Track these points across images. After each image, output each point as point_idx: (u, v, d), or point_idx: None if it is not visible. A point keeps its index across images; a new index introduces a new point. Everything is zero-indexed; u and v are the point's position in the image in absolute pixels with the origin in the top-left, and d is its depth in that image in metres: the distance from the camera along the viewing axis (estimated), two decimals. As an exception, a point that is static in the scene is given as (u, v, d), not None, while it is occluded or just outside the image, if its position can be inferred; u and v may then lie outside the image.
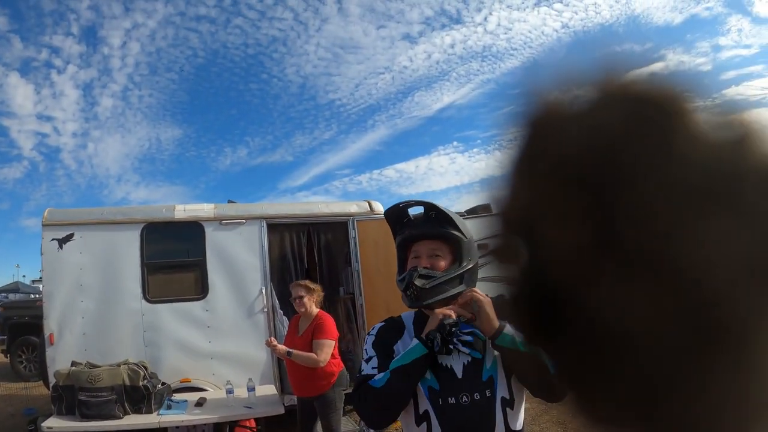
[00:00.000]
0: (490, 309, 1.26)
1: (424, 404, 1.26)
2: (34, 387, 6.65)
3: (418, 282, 1.30)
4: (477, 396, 1.24)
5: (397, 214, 1.44)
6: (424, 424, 1.26)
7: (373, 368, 1.31)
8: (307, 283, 3.58)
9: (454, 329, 1.25)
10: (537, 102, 0.28)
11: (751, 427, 0.24)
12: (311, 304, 3.50)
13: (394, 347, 1.35)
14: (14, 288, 18.11)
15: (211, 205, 4.64)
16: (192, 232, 4.57)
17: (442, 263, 1.34)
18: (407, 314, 1.44)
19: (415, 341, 1.27)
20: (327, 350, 3.40)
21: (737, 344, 0.23)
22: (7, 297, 14.08)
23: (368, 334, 1.41)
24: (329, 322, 3.51)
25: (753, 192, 0.23)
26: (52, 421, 3.85)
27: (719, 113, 0.25)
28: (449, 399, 1.25)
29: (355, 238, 4.72)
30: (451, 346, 1.24)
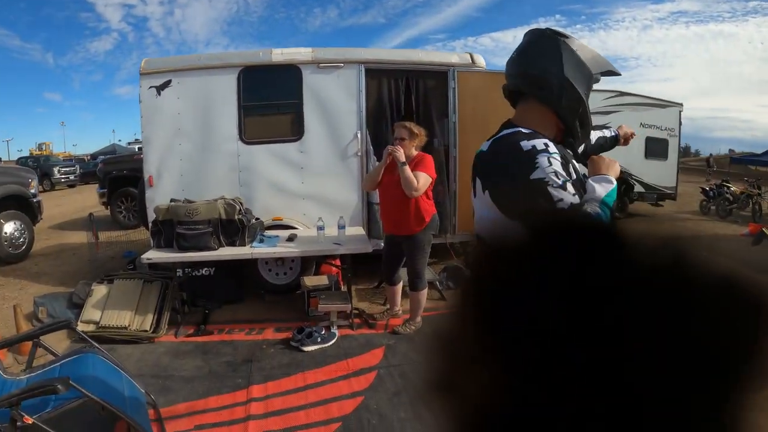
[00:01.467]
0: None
1: None
2: (133, 233, 7.00)
3: None
4: None
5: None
6: None
7: (574, 195, 1.12)
8: (412, 126, 3.48)
9: None
10: None
11: None
12: (411, 148, 3.42)
13: (574, 169, 1.23)
14: (111, 150, 19.33)
15: (309, 49, 4.58)
16: (289, 75, 4.53)
17: None
18: (528, 130, 1.24)
19: (614, 183, 1.21)
20: (423, 182, 3.32)
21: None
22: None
23: (539, 151, 1.13)
24: (430, 161, 3.44)
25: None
26: (150, 254, 3.96)
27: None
28: None
29: (454, 89, 4.54)
30: None
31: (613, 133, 1.71)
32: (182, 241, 3.89)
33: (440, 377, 0.32)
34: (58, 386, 1.90)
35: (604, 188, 1.17)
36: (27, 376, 2.46)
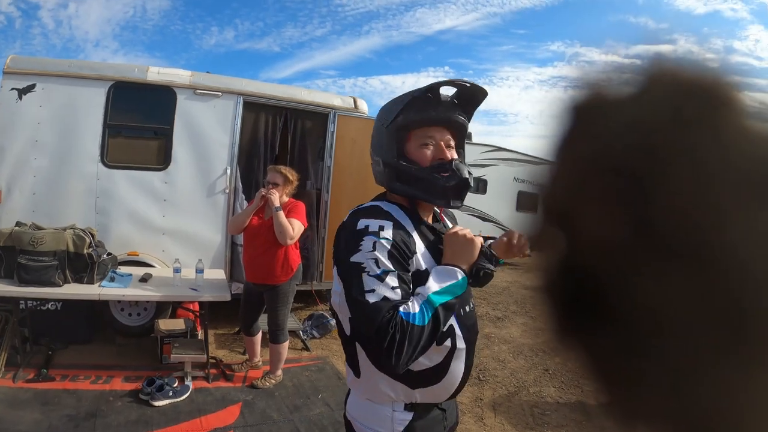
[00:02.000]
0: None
1: (450, 319, 1.09)
2: None
3: (468, 176, 1.16)
4: (472, 304, 1.23)
5: (423, 91, 1.18)
6: (448, 340, 1.12)
7: (393, 289, 1.00)
8: (287, 171, 3.37)
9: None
10: (583, 87, 0.28)
11: None
12: (284, 194, 3.32)
13: (413, 259, 1.10)
14: None
15: (188, 72, 4.35)
16: (163, 97, 4.29)
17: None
18: (387, 205, 1.15)
19: (461, 275, 1.07)
20: (299, 229, 3.25)
21: None
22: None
23: (369, 233, 1.05)
24: (302, 207, 3.37)
25: None
26: None
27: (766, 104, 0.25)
28: (465, 308, 1.18)
29: (333, 132, 4.47)
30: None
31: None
32: (23, 273, 3.56)
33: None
34: None
35: (438, 283, 1.04)
36: None
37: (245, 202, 4.29)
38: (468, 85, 1.18)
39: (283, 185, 3.30)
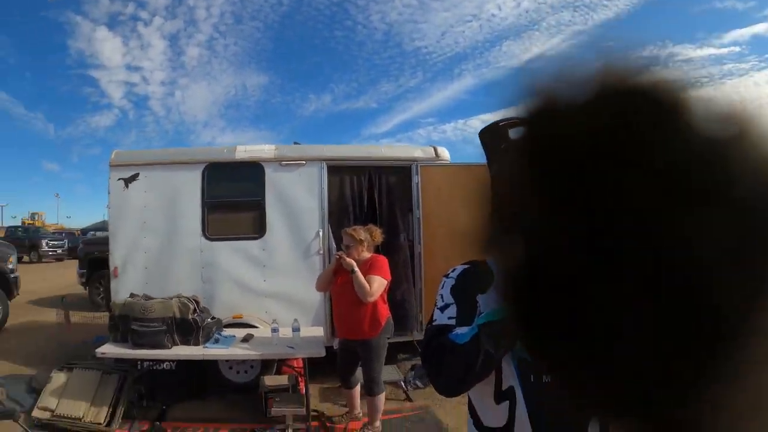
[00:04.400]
0: None
1: (510, 379, 1.01)
2: (106, 317, 6.98)
3: None
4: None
5: (493, 136, 1.19)
6: (506, 403, 1.01)
7: (450, 318, 1.06)
8: (356, 232, 3.51)
9: None
10: (534, 93, 0.29)
11: (747, 426, 0.24)
12: (362, 252, 3.46)
13: (478, 298, 1.07)
14: (102, 226, 19.46)
15: (272, 146, 4.69)
16: (252, 172, 4.63)
17: None
18: None
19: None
20: (377, 286, 3.34)
21: (728, 345, 0.23)
22: (95, 234, 14.93)
23: (446, 276, 1.15)
24: (384, 262, 3.47)
25: (744, 188, 0.23)
26: (105, 348, 4.02)
27: (716, 108, 0.25)
28: (542, 376, 1.01)
29: (417, 183, 4.60)
30: None
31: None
32: (136, 337, 3.93)
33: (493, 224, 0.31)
34: None
35: (487, 302, 1.05)
36: None
37: (339, 262, 4.45)
38: (516, 120, 1.19)
39: (356, 245, 3.42)
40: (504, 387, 1.00)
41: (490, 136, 1.24)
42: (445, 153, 4.75)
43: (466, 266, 1.13)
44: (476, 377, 0.97)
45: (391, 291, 3.91)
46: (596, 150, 0.25)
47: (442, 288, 1.11)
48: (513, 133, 1.24)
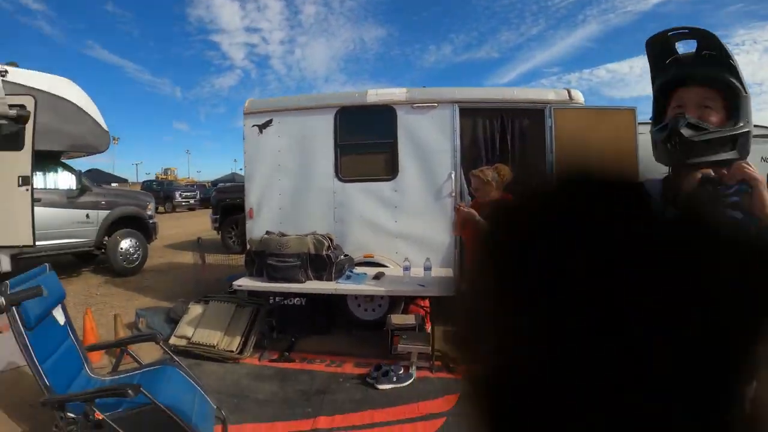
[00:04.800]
0: (765, 190, 0.99)
1: None
2: (239, 258, 7.54)
3: (685, 132, 1.05)
4: None
5: (660, 48, 1.16)
6: None
7: None
8: (482, 173, 3.41)
9: (720, 188, 0.99)
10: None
11: None
12: (490, 192, 3.33)
13: None
14: (230, 178, 21.07)
15: (403, 89, 4.73)
16: (384, 115, 4.70)
17: (713, 118, 1.07)
18: (651, 183, 1.12)
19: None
20: None
21: None
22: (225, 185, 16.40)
23: None
24: None
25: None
26: (243, 281, 4.26)
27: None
28: None
29: (551, 127, 4.48)
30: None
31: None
32: (272, 271, 4.15)
33: (462, 335, 0.32)
34: (129, 391, 2.12)
35: None
36: (110, 377, 2.78)
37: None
38: (686, 31, 1.10)
39: (483, 187, 3.35)
40: None
41: (658, 47, 1.20)
42: (579, 96, 4.60)
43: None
44: None
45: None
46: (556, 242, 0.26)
47: None
48: (680, 47, 1.20)
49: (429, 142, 4.59)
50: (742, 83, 1.08)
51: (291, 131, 4.89)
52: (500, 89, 4.80)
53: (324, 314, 4.67)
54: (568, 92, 4.60)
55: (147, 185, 24.20)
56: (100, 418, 2.21)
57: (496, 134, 4.63)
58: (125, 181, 26.92)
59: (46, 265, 2.76)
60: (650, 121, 1.23)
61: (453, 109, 4.56)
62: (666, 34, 1.15)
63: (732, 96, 1.08)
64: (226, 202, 9.09)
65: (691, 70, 1.11)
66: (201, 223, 13.35)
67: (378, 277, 4.17)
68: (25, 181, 5.33)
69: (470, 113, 4.62)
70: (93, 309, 4.54)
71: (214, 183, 25.09)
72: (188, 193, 22.99)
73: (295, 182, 4.85)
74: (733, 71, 1.08)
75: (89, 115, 6.87)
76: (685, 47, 1.20)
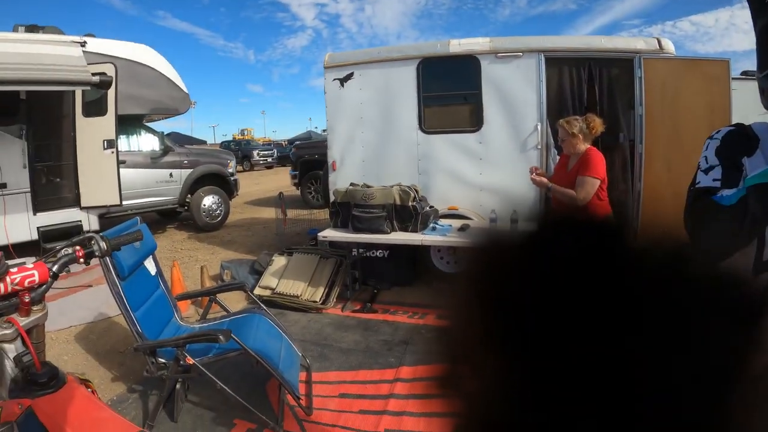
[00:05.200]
0: None
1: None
2: (320, 212, 7.81)
3: None
4: None
5: None
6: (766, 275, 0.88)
7: (714, 180, 0.98)
8: (569, 124, 3.29)
9: None
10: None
11: None
12: (576, 144, 3.26)
13: (744, 161, 0.96)
14: (307, 137, 21.47)
15: (487, 39, 4.65)
16: (467, 65, 4.65)
17: None
18: (761, 126, 1.03)
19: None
20: (588, 188, 3.15)
21: None
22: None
23: (710, 138, 1.05)
24: (596, 159, 3.22)
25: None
26: (327, 232, 4.36)
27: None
28: None
29: (640, 78, 4.41)
30: None
31: None
32: (357, 222, 4.25)
33: (443, 373, 0.32)
34: (220, 336, 2.22)
35: (753, 165, 0.95)
36: (199, 325, 2.92)
37: (557, 157, 4.48)
38: None
39: (569, 138, 3.27)
40: (765, 257, 0.87)
41: None
42: (669, 45, 4.50)
43: (731, 128, 1.05)
44: (740, 244, 0.89)
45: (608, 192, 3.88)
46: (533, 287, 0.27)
47: (707, 150, 1.04)
48: None
49: (514, 92, 4.54)
50: None
51: (373, 83, 4.88)
52: (587, 37, 4.72)
53: (406, 266, 4.77)
54: (658, 41, 4.50)
55: (225, 145, 24.83)
56: (191, 362, 2.32)
57: (584, 84, 4.57)
58: (204, 142, 27.36)
59: (137, 218, 2.83)
60: (747, 73, 1.17)
61: (538, 59, 4.50)
62: None
63: None
64: (305, 158, 9.36)
65: None
66: (279, 179, 13.86)
67: (463, 229, 4.21)
68: (110, 144, 5.47)
69: (556, 63, 4.54)
70: (179, 263, 4.72)
71: (291, 141, 25.38)
72: (266, 152, 23.53)
73: (377, 134, 4.88)
74: None
75: (168, 78, 6.96)
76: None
